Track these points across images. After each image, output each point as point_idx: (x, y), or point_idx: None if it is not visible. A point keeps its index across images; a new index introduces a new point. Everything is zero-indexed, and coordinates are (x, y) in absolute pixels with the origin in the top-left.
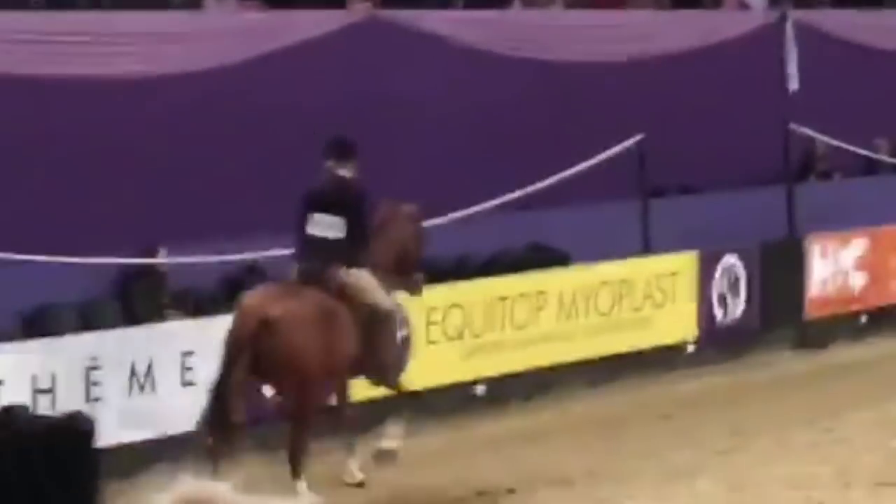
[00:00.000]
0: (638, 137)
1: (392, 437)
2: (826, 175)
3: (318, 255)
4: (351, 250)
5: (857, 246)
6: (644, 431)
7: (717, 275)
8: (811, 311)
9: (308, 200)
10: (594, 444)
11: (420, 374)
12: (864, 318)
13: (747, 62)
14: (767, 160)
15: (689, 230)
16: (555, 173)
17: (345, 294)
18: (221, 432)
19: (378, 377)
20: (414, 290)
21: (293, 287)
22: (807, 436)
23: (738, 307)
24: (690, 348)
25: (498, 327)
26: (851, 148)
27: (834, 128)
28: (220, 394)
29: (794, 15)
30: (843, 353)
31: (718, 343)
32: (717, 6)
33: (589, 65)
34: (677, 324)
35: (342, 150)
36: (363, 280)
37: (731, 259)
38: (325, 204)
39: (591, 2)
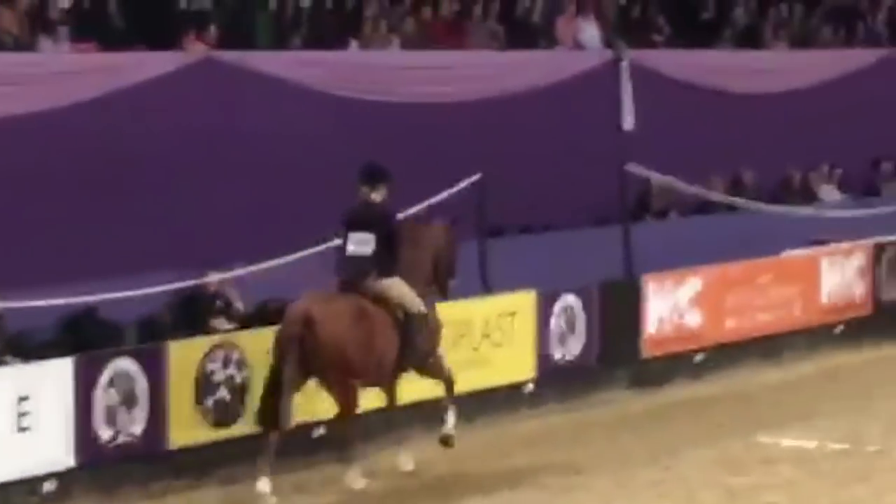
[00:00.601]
0: (476, 177)
1: (449, 424)
2: (662, 214)
3: (354, 269)
4: (381, 263)
5: (693, 284)
6: (485, 471)
7: (556, 314)
8: (648, 350)
9: (345, 221)
10: (434, 486)
11: None
12: (700, 356)
13: (584, 102)
14: (604, 199)
15: (527, 270)
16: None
17: (380, 299)
18: (274, 430)
19: (424, 371)
20: (444, 294)
21: (333, 293)
22: (647, 474)
23: (576, 346)
24: (529, 388)
25: None
26: (686, 187)
27: (669, 167)
28: (273, 392)
29: (629, 55)
30: (680, 392)
31: (557, 382)
32: (553, 46)
33: (428, 105)
34: (516, 363)
35: (372, 176)
36: (395, 286)
37: (569, 298)
38: (358, 224)
39: (429, 42)
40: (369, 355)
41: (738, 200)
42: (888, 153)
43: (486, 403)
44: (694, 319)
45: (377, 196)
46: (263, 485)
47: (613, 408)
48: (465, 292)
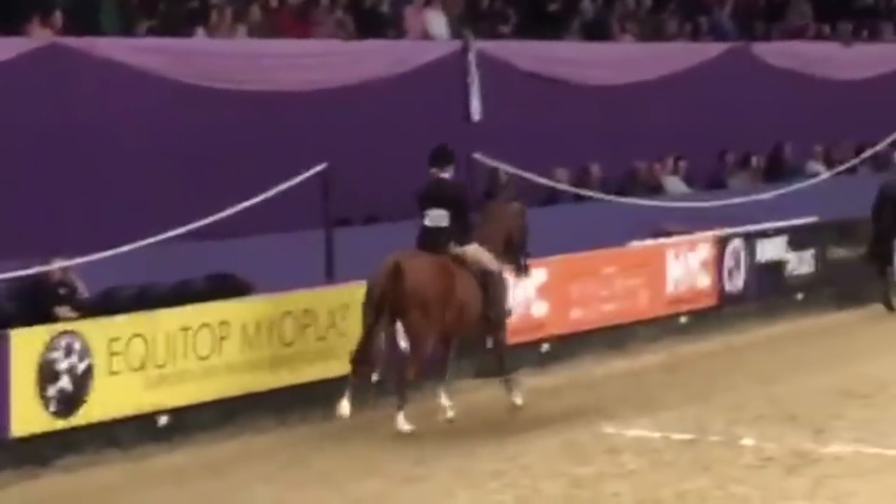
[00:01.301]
0: (322, 167)
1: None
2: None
3: (432, 240)
4: (457, 234)
5: (539, 275)
6: (329, 461)
7: None
8: None
9: (419, 199)
10: (279, 475)
11: (102, 404)
12: (546, 346)
13: (432, 92)
14: None
15: (374, 259)
16: (239, 202)
17: (459, 259)
18: (363, 367)
19: (495, 328)
20: (520, 272)
21: (418, 252)
22: (490, 464)
23: None
24: (375, 377)
25: (181, 358)
26: (533, 177)
27: (517, 157)
28: (368, 334)
29: (477, 45)
30: (526, 381)
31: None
32: (401, 36)
33: (273, 94)
34: None
35: (440, 158)
36: (472, 250)
37: None
38: (432, 200)
39: (275, 31)
40: (449, 305)
41: (585, 191)
42: (733, 145)
43: (332, 393)
44: (540, 309)
45: (446, 174)
46: (344, 407)
47: (460, 398)
48: (311, 282)
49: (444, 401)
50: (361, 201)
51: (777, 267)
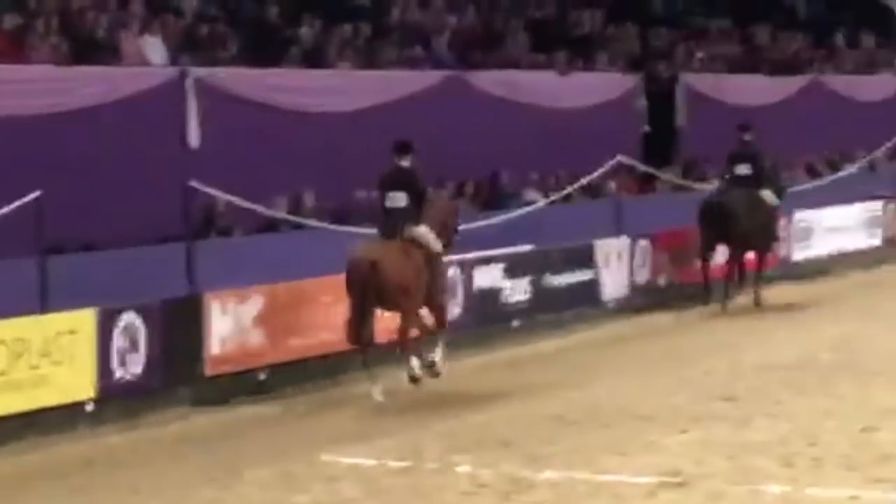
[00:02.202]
0: (36, 194)
1: (438, 355)
2: (226, 232)
3: (393, 219)
4: (412, 214)
5: (257, 303)
6: (43, 493)
7: (117, 332)
8: (212, 368)
9: (381, 183)
10: None
11: None
12: (263, 375)
13: (149, 118)
14: (169, 217)
15: (89, 288)
16: None
17: (414, 242)
18: (361, 345)
19: (436, 301)
20: (449, 248)
21: (381, 241)
22: (206, 493)
23: (138, 365)
24: (90, 407)
25: None
26: (251, 205)
27: (235, 184)
28: (355, 318)
29: (195, 72)
30: (243, 410)
31: (118, 402)
32: (118, 62)
33: None
34: (76, 382)
35: (401, 148)
36: (423, 233)
37: (130, 316)
38: (392, 184)
39: None
40: (419, 284)
41: (302, 220)
42: (451, 173)
43: (44, 423)
44: (257, 338)
45: (405, 162)
46: (377, 392)
47: (176, 427)
48: (23, 311)
49: (437, 361)
50: (78, 228)
51: (493, 294)
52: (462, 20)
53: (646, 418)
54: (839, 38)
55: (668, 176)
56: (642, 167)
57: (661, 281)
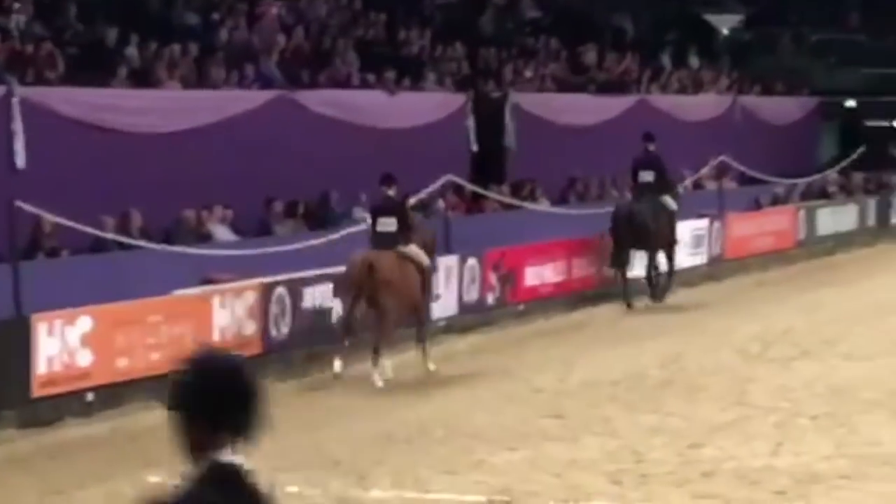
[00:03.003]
0: None
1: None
2: (54, 252)
3: (384, 240)
4: (401, 237)
5: (84, 323)
6: None
7: None
8: (39, 389)
9: (373, 211)
10: None
11: None
12: (91, 396)
13: None
14: None
15: None
16: None
17: (405, 256)
18: (350, 336)
19: (423, 309)
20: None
21: (378, 251)
22: None
23: None
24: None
25: None
26: (78, 225)
27: (62, 205)
28: (349, 313)
29: (21, 91)
30: (72, 431)
31: None
32: None
33: None
34: None
35: (387, 180)
36: (413, 249)
37: None
38: (382, 211)
39: None
40: (409, 290)
41: (130, 240)
42: (281, 193)
43: None
44: (85, 358)
45: (392, 192)
46: (337, 365)
47: (2, 450)
48: None
49: (427, 356)
50: None
51: (323, 313)
52: (291, 40)
53: (475, 436)
54: (665, 59)
55: (497, 195)
56: (471, 186)
57: (491, 299)
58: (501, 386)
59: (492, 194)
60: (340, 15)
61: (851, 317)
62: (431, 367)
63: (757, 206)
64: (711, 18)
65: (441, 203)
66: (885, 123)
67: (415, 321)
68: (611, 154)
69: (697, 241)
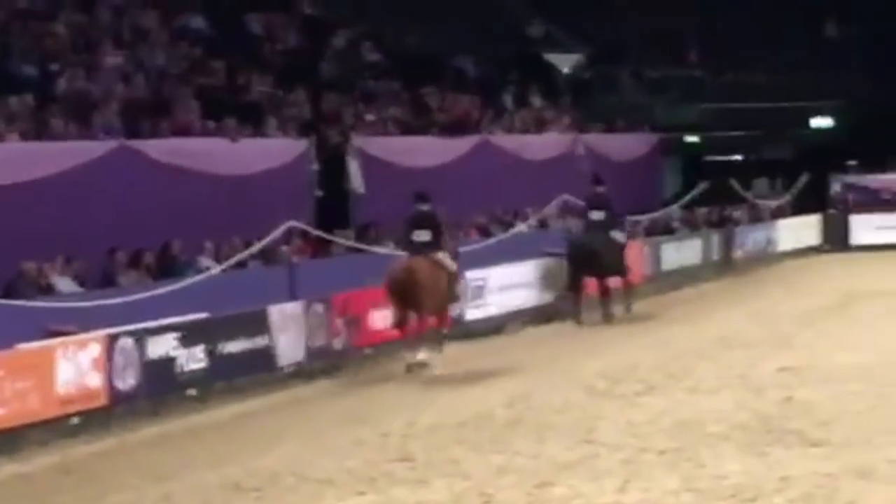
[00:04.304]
0: None
1: (436, 355)
2: None
3: (419, 249)
4: (434, 246)
5: None
6: None
7: None
8: None
9: (409, 223)
10: None
11: None
12: None
13: None
14: None
15: None
16: None
17: (437, 262)
18: (400, 328)
19: (447, 309)
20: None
21: (415, 258)
22: None
23: None
24: None
25: None
26: None
27: None
28: (396, 311)
29: None
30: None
31: None
32: None
33: None
34: None
35: (422, 197)
36: (443, 256)
37: None
38: (418, 223)
39: None
40: (440, 292)
41: None
42: (124, 243)
43: None
44: None
45: (426, 207)
46: (422, 354)
47: None
48: None
49: (434, 358)
50: None
51: (168, 363)
52: (131, 89)
53: (323, 482)
54: (507, 99)
55: (342, 239)
56: (316, 231)
57: (338, 344)
58: (349, 431)
59: (337, 238)
60: (180, 63)
61: (697, 351)
62: (437, 371)
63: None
64: (552, 58)
65: (285, 249)
66: (725, 158)
67: (436, 323)
68: (456, 195)
69: (544, 280)
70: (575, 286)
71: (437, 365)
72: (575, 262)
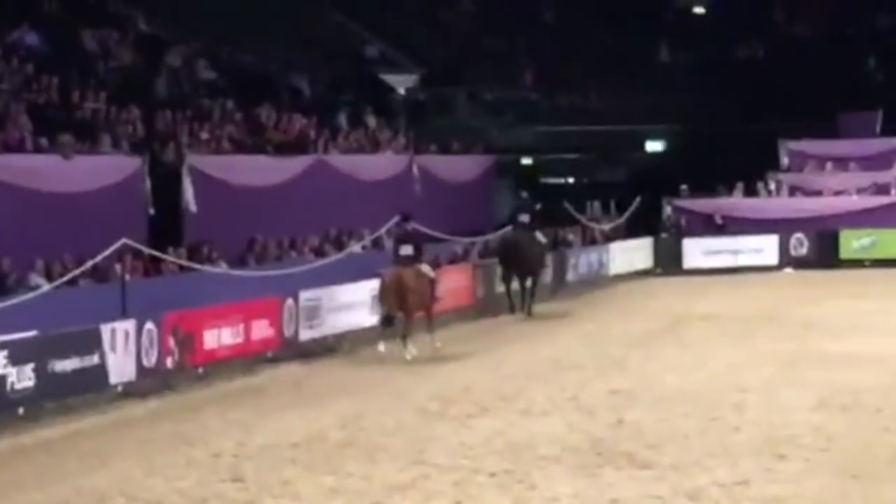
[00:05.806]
0: None
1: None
2: None
3: (405, 262)
4: (417, 258)
5: None
6: None
7: None
8: None
9: (396, 240)
10: None
11: None
12: None
13: None
14: None
15: None
16: None
17: (420, 271)
18: (387, 327)
19: (431, 307)
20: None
21: (402, 269)
22: None
23: None
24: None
25: None
26: None
27: None
28: (386, 312)
29: None
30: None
31: None
32: None
33: None
34: None
35: (407, 217)
36: (424, 266)
37: None
38: (404, 239)
39: None
40: (424, 295)
41: None
42: None
43: None
44: None
45: (410, 226)
46: (382, 346)
47: None
48: None
49: (434, 342)
50: None
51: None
52: None
53: (154, 503)
54: (342, 118)
55: (174, 257)
56: (148, 250)
57: (169, 363)
58: (180, 451)
59: (169, 257)
60: (12, 79)
61: (529, 373)
62: (438, 345)
63: (436, 264)
64: (388, 78)
65: (118, 267)
66: (559, 180)
67: (425, 316)
68: (290, 215)
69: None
70: (508, 284)
71: (439, 345)
72: (505, 262)
